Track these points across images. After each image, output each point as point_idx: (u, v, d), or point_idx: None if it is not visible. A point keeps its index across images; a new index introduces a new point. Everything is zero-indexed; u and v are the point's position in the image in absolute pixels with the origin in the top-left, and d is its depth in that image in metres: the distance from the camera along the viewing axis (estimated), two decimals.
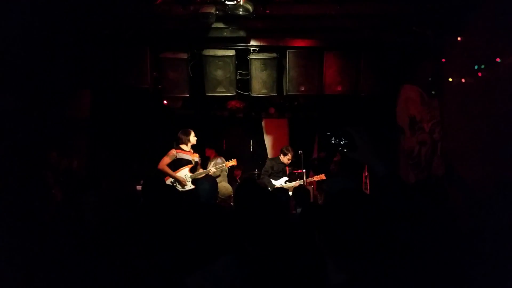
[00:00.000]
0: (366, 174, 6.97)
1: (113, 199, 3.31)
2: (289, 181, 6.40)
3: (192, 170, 5.74)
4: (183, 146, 5.75)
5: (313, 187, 7.26)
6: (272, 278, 1.44)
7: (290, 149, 6.53)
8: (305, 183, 6.36)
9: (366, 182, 7.02)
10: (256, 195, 1.68)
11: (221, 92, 5.60)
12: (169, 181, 5.55)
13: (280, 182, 6.39)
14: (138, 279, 2.09)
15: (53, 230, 3.01)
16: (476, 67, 3.99)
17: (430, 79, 5.02)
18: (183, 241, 2.11)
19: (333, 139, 1.44)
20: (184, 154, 5.72)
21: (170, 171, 5.55)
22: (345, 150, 1.43)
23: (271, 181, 6.39)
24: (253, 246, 1.49)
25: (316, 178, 6.48)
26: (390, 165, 1.41)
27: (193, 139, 5.77)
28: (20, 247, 2.51)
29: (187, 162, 5.72)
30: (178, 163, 5.70)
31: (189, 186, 5.63)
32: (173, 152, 5.66)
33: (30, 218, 4.17)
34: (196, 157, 5.85)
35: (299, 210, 4.12)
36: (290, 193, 5.95)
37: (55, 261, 2.28)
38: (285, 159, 6.46)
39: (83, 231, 2.58)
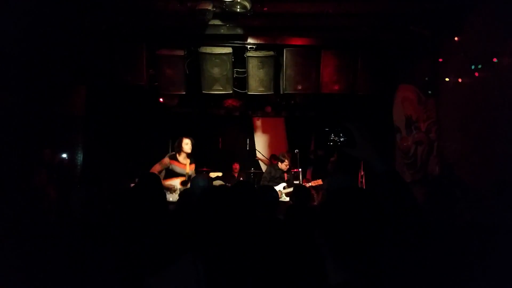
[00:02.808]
0: (362, 173, 6.98)
1: (108, 197, 3.28)
2: (288, 186, 6.39)
3: (183, 183, 5.41)
4: (179, 158, 5.44)
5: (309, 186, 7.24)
6: (232, 278, 1.43)
7: (286, 155, 6.53)
8: (300, 183, 6.37)
9: (362, 182, 7.02)
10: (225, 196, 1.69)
11: (218, 90, 5.57)
12: None
13: (278, 188, 6.35)
14: (131, 277, 2.07)
15: (46, 229, 2.97)
16: (473, 67, 3.99)
17: (427, 78, 5.02)
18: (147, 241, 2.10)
19: (332, 135, 1.41)
20: (177, 167, 5.41)
21: (164, 181, 5.24)
22: (344, 146, 1.40)
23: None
24: (215, 246, 1.49)
25: (313, 183, 6.47)
26: (389, 162, 1.40)
27: (185, 147, 5.39)
28: (12, 246, 2.48)
29: (180, 175, 5.43)
30: (170, 173, 5.44)
31: (174, 197, 5.24)
32: (166, 161, 5.36)
33: (23, 216, 4.12)
34: (191, 170, 5.49)
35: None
36: (288, 198, 5.99)
37: (47, 259, 2.25)
38: (283, 165, 6.47)
39: (75, 229, 2.55)
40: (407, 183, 1.32)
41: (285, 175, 6.57)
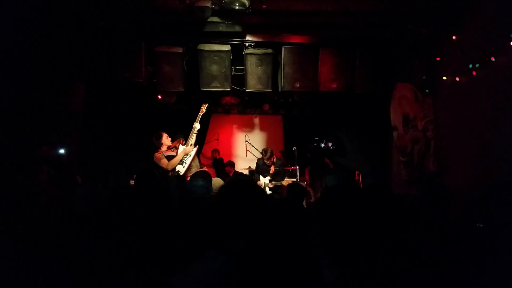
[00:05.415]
0: None
1: (105, 194, 3.28)
2: (271, 180, 6.54)
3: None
4: (162, 148, 5.40)
5: (306, 184, 7.27)
6: (259, 272, 1.38)
7: (267, 150, 6.58)
8: (297, 180, 6.41)
9: (358, 180, 7.05)
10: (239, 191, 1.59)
11: (216, 87, 5.58)
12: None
13: (264, 181, 6.58)
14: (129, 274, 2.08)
15: (45, 226, 2.98)
16: (470, 65, 4.01)
17: (424, 77, 5.04)
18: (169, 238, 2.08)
19: (321, 144, 1.37)
20: (167, 153, 5.39)
21: (176, 158, 5.26)
22: (334, 155, 1.38)
23: (259, 177, 6.63)
24: (237, 241, 1.43)
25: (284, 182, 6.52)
26: (380, 174, 1.38)
27: (166, 140, 5.38)
28: (15, 243, 2.48)
29: (173, 156, 5.37)
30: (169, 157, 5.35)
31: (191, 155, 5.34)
32: (160, 155, 5.31)
33: (25, 213, 4.12)
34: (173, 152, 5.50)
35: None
36: (270, 192, 6.36)
37: (50, 256, 2.25)
38: (265, 159, 6.56)
39: (74, 226, 2.55)
40: (395, 196, 1.30)
41: (272, 167, 6.61)
